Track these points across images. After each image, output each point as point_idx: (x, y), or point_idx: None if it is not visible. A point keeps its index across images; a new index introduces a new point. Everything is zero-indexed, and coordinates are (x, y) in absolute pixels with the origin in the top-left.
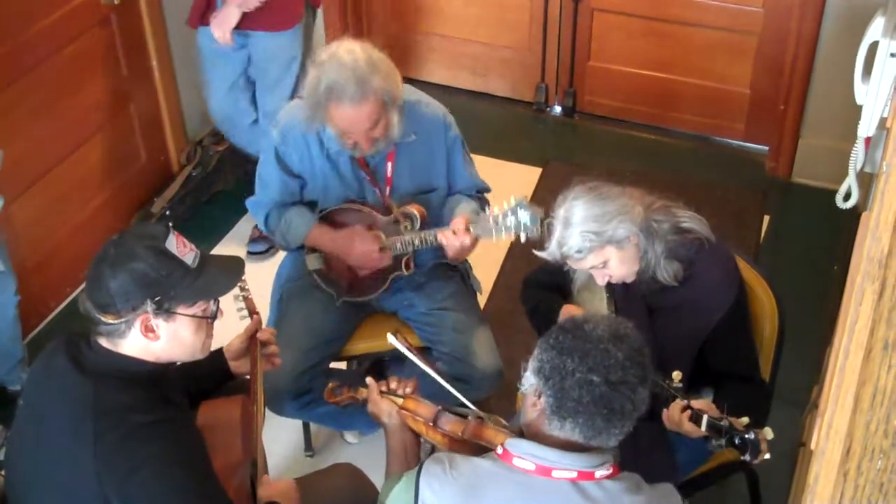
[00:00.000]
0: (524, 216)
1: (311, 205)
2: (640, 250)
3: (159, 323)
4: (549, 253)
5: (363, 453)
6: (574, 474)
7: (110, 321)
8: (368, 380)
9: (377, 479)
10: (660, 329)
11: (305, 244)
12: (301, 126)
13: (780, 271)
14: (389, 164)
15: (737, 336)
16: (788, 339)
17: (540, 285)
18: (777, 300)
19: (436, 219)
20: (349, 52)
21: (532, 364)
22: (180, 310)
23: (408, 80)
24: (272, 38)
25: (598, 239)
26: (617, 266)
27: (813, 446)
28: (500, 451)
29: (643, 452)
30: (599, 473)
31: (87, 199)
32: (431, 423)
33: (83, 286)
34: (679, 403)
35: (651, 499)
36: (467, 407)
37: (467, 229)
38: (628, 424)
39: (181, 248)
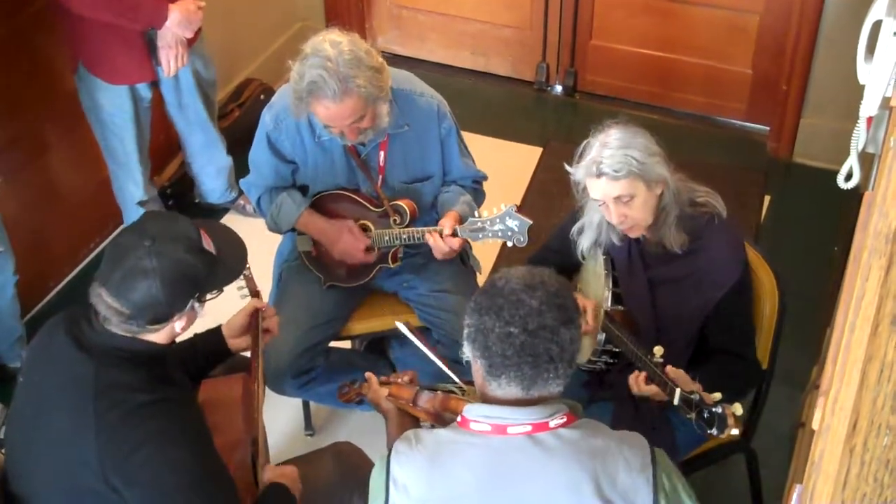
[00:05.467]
0: (512, 223)
1: (303, 189)
2: (661, 202)
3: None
4: (582, 170)
5: (363, 432)
6: (528, 427)
7: (159, 327)
8: (368, 374)
9: (376, 458)
10: (662, 303)
11: (296, 228)
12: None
13: (780, 252)
14: (382, 154)
15: (737, 313)
16: (788, 319)
17: (545, 265)
18: (778, 280)
19: (428, 211)
20: (334, 45)
21: (464, 333)
22: (208, 296)
23: (408, 58)
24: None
25: (638, 167)
26: (640, 206)
27: (816, 425)
28: (459, 419)
29: (643, 433)
30: (554, 423)
31: (87, 178)
32: (412, 404)
33: (95, 287)
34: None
35: (610, 440)
36: (458, 384)
37: (454, 233)
38: (562, 367)
39: (207, 242)
